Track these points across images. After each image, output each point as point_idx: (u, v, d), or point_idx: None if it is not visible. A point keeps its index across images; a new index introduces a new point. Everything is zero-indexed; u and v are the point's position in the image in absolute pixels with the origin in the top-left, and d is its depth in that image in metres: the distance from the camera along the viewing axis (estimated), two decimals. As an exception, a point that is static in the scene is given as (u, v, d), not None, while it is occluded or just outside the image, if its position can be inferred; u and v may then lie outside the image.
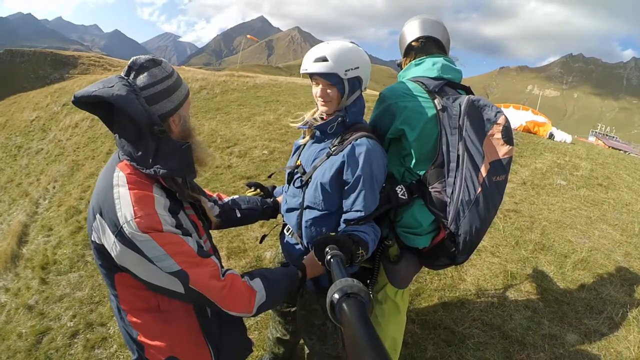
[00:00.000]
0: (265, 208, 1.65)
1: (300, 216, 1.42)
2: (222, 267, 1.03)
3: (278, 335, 1.94)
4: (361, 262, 1.36)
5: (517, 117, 10.57)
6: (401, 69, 1.69)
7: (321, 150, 1.41)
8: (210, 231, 1.33)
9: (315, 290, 1.46)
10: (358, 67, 1.31)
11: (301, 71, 1.33)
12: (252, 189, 1.75)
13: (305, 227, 1.41)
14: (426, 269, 1.83)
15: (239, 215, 1.57)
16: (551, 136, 9.39)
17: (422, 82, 1.46)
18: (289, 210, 1.49)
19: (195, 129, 1.13)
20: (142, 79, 0.94)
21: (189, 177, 1.07)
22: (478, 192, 1.36)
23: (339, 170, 1.31)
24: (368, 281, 1.61)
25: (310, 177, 1.38)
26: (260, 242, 1.73)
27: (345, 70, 1.28)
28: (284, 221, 1.60)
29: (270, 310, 2.01)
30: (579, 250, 3.39)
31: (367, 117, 1.55)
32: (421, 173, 1.47)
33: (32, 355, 2.54)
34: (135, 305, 1.03)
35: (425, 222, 1.49)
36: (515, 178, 5.12)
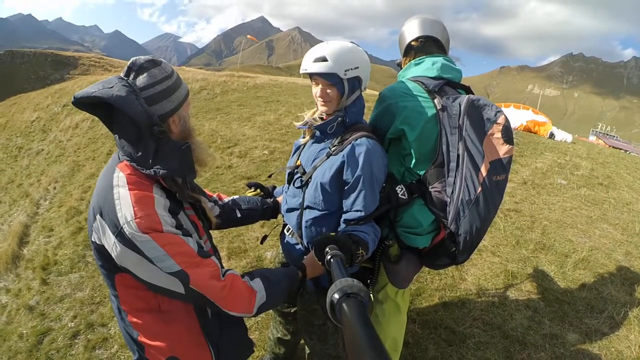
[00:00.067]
0: (265, 208, 1.65)
1: (300, 216, 1.42)
2: (222, 267, 1.03)
3: (279, 335, 1.94)
4: (361, 262, 1.36)
5: (518, 116, 10.55)
6: (401, 68, 1.69)
7: (321, 150, 1.41)
8: (211, 231, 1.33)
9: (316, 290, 1.46)
10: (358, 67, 1.31)
11: (301, 71, 1.33)
12: (252, 189, 1.75)
13: (306, 227, 1.41)
14: (427, 268, 1.83)
15: (239, 215, 1.57)
16: (552, 135, 9.38)
17: (421, 82, 1.46)
18: (289, 210, 1.49)
19: (196, 129, 1.13)
20: (141, 80, 0.94)
21: (188, 177, 1.07)
22: (478, 191, 1.36)
23: (339, 170, 1.31)
24: (368, 281, 1.61)
25: (310, 177, 1.38)
26: (262, 242, 1.73)
27: (345, 70, 1.28)
28: (284, 221, 1.60)
29: (271, 311, 2.01)
30: (579, 250, 3.38)
31: (367, 117, 1.55)
32: (421, 173, 1.47)
33: (33, 355, 2.54)
34: (136, 305, 1.03)
35: (426, 222, 1.49)
36: (516, 177, 5.12)
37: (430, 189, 1.44)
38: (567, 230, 3.78)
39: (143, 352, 1.06)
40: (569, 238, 3.61)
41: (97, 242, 0.95)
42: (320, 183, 1.33)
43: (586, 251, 3.35)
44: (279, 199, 1.72)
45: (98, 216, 0.93)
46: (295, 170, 1.49)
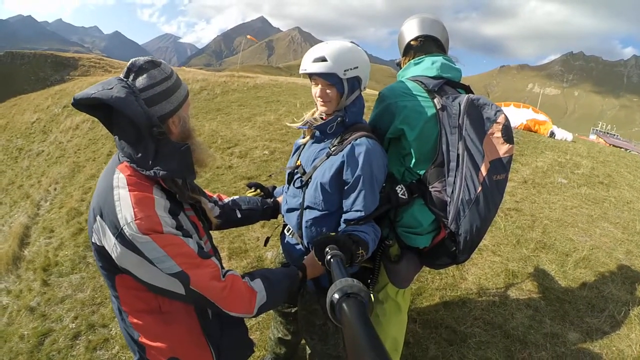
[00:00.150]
0: (265, 208, 1.65)
1: (300, 216, 1.42)
2: (222, 268, 1.03)
3: (279, 335, 1.94)
4: (361, 262, 1.36)
5: (518, 115, 10.55)
6: (400, 68, 1.69)
7: (321, 150, 1.41)
8: (211, 232, 1.33)
9: (316, 291, 1.46)
10: (357, 67, 1.31)
11: (300, 71, 1.33)
12: (253, 190, 1.75)
13: (306, 227, 1.41)
14: (427, 268, 1.83)
15: (239, 215, 1.57)
16: (552, 134, 9.38)
17: (421, 82, 1.46)
18: (289, 210, 1.49)
19: (196, 129, 1.13)
20: (141, 81, 0.94)
21: (188, 178, 1.07)
22: (478, 191, 1.36)
23: (339, 170, 1.31)
24: (369, 281, 1.61)
25: (310, 177, 1.38)
26: (265, 244, 1.73)
27: (344, 70, 1.28)
28: (284, 221, 1.60)
29: (271, 311, 2.02)
30: (580, 249, 3.38)
31: (367, 117, 1.55)
32: (421, 172, 1.47)
33: (34, 357, 2.55)
34: (136, 306, 1.03)
35: (426, 221, 1.49)
36: (516, 177, 5.11)
37: (430, 189, 1.43)
38: (567, 229, 3.78)
39: (144, 353, 1.07)
40: (569, 237, 3.61)
41: (98, 243, 0.95)
42: (320, 183, 1.33)
43: (587, 250, 3.34)
44: (279, 199, 1.72)
45: (98, 217, 0.93)
46: (295, 171, 1.49)
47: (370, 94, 8.23)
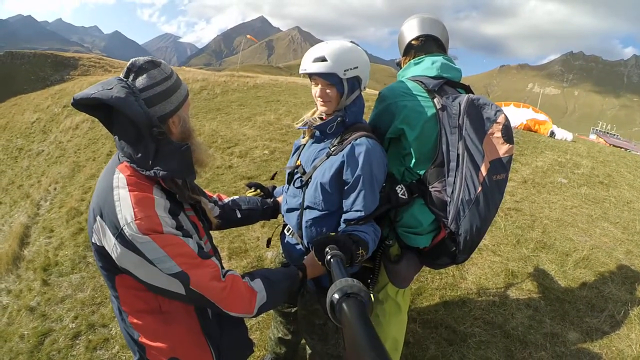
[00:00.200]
0: (265, 208, 1.65)
1: (300, 216, 1.42)
2: (222, 268, 1.03)
3: (280, 335, 1.94)
4: (361, 262, 1.36)
5: (518, 115, 10.55)
6: (400, 68, 1.69)
7: (321, 150, 1.41)
8: (211, 232, 1.33)
9: (316, 290, 1.46)
10: (357, 67, 1.31)
11: (300, 71, 1.32)
12: (252, 190, 1.75)
13: (306, 227, 1.41)
14: (427, 268, 1.83)
15: (239, 215, 1.57)
16: (552, 134, 9.38)
17: (421, 81, 1.46)
18: (289, 210, 1.49)
19: (196, 129, 1.13)
20: (141, 81, 0.94)
21: (188, 178, 1.07)
22: (478, 191, 1.36)
23: (339, 170, 1.30)
24: (369, 281, 1.61)
25: (310, 177, 1.38)
26: (267, 245, 1.73)
27: (344, 70, 1.27)
28: (284, 221, 1.60)
29: (271, 311, 2.02)
30: (580, 249, 3.38)
31: (367, 117, 1.55)
32: (421, 172, 1.47)
33: (34, 356, 2.55)
34: (136, 306, 1.03)
35: (426, 221, 1.49)
36: (516, 176, 5.11)
37: (430, 189, 1.43)
38: (567, 229, 3.78)
39: (144, 353, 1.07)
40: (569, 237, 3.61)
41: (98, 243, 0.95)
42: (320, 183, 1.33)
43: (587, 250, 3.34)
44: (279, 199, 1.72)
45: (98, 217, 0.93)
46: (295, 171, 1.49)
47: (370, 93, 8.23)
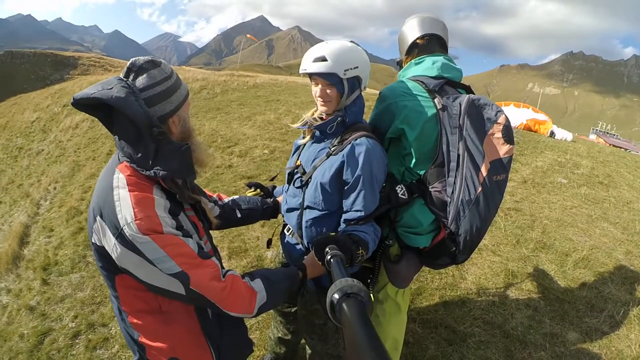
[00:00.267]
0: (265, 208, 1.65)
1: (300, 216, 1.42)
2: (222, 268, 1.03)
3: (279, 335, 1.94)
4: (361, 262, 1.36)
5: (518, 115, 10.56)
6: (401, 67, 1.68)
7: (321, 150, 1.40)
8: (211, 231, 1.33)
9: (316, 290, 1.46)
10: (357, 67, 1.31)
11: (300, 71, 1.32)
12: (252, 189, 1.75)
13: (306, 227, 1.41)
14: (427, 268, 1.84)
15: (239, 215, 1.57)
16: (552, 134, 9.38)
17: (422, 81, 1.46)
18: (289, 210, 1.49)
19: (196, 129, 1.13)
20: (141, 81, 0.94)
21: (188, 178, 1.07)
22: (478, 191, 1.36)
23: (339, 170, 1.30)
24: (369, 281, 1.61)
25: (310, 177, 1.38)
26: (268, 246, 1.73)
27: (345, 70, 1.27)
28: (284, 221, 1.60)
29: (271, 310, 2.02)
30: (579, 249, 3.38)
31: (367, 116, 1.55)
32: (421, 172, 1.47)
33: (34, 356, 2.55)
34: (136, 306, 1.03)
35: (426, 221, 1.49)
36: (516, 176, 5.11)
37: (430, 189, 1.43)
38: (567, 229, 3.78)
39: (144, 353, 1.07)
40: (569, 237, 3.61)
41: (98, 243, 0.95)
42: (320, 183, 1.33)
43: (586, 250, 3.35)
44: (279, 198, 1.72)
45: (98, 217, 0.93)
46: (295, 170, 1.49)
47: (370, 93, 8.23)
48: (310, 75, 1.34)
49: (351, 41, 1.37)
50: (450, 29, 1.67)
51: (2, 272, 3.98)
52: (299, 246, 1.48)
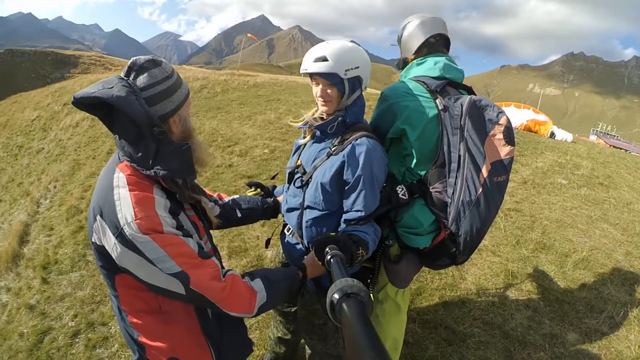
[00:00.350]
0: (265, 208, 1.65)
1: (300, 216, 1.42)
2: (222, 267, 1.03)
3: (279, 334, 1.94)
4: (361, 262, 1.36)
5: (518, 115, 10.56)
6: (402, 67, 1.68)
7: (321, 150, 1.40)
8: (211, 231, 1.33)
9: (316, 290, 1.46)
10: (358, 67, 1.30)
11: (301, 71, 1.32)
12: (253, 189, 1.74)
13: (306, 227, 1.41)
14: (426, 268, 1.84)
15: (239, 215, 1.57)
16: (552, 135, 9.38)
17: (423, 82, 1.46)
18: (290, 210, 1.49)
19: (196, 128, 1.13)
20: (142, 80, 0.94)
21: (189, 178, 1.06)
22: (479, 192, 1.36)
23: (339, 170, 1.30)
24: (369, 281, 1.61)
25: (311, 177, 1.38)
26: (266, 246, 1.73)
27: (345, 70, 1.27)
28: (284, 221, 1.60)
29: (271, 310, 2.02)
30: (579, 250, 3.38)
31: (368, 116, 1.55)
32: (422, 173, 1.47)
33: (33, 355, 2.55)
34: (136, 306, 1.03)
35: (426, 222, 1.49)
36: (516, 177, 5.11)
37: (430, 190, 1.43)
38: (567, 230, 3.78)
39: (144, 353, 1.06)
40: (569, 238, 3.61)
41: (98, 242, 0.95)
42: (321, 183, 1.33)
43: (586, 251, 3.35)
44: (279, 198, 1.72)
45: (98, 217, 0.93)
46: (296, 170, 1.49)
47: (371, 93, 8.23)
48: (311, 75, 1.34)
49: (352, 41, 1.36)
50: (450, 29, 1.67)
51: (2, 270, 3.98)
52: (299, 246, 1.48)
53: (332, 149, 1.35)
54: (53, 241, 4.16)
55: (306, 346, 1.77)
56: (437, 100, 1.41)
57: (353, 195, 1.31)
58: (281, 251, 1.72)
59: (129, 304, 1.04)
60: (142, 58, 0.97)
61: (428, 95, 1.42)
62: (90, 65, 23.38)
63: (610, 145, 17.96)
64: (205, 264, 0.96)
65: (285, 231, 1.58)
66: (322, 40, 1.37)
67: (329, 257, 0.96)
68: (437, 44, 1.60)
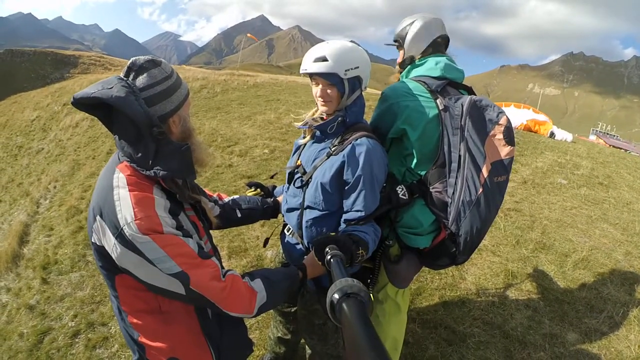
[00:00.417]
0: (265, 208, 1.65)
1: (300, 216, 1.42)
2: (222, 267, 1.03)
3: (279, 334, 1.94)
4: (361, 262, 1.36)
5: (518, 115, 10.56)
6: (402, 68, 1.68)
7: (321, 150, 1.40)
8: (211, 231, 1.33)
9: (316, 290, 1.46)
10: (358, 67, 1.30)
11: (301, 71, 1.32)
12: (253, 189, 1.74)
13: (306, 227, 1.41)
14: (426, 268, 1.84)
15: (239, 215, 1.57)
16: (552, 135, 9.38)
17: (424, 82, 1.46)
18: (290, 210, 1.49)
19: (196, 128, 1.13)
20: (141, 80, 0.94)
21: (188, 178, 1.06)
22: (479, 192, 1.36)
23: (339, 170, 1.30)
24: (369, 281, 1.61)
25: (311, 177, 1.38)
26: (264, 245, 1.73)
27: (345, 70, 1.27)
28: (284, 221, 1.60)
29: (271, 310, 2.02)
30: (579, 250, 3.38)
31: (368, 117, 1.55)
32: (422, 173, 1.47)
33: (33, 355, 2.55)
34: (136, 306, 1.03)
35: (426, 222, 1.49)
36: (516, 177, 5.11)
37: (431, 190, 1.43)
38: (567, 229, 3.78)
39: (144, 353, 1.06)
40: (569, 238, 3.61)
41: (97, 243, 0.95)
42: (321, 183, 1.33)
43: (586, 251, 3.35)
44: (279, 198, 1.72)
45: (98, 217, 0.93)
46: (296, 170, 1.49)
47: (371, 93, 8.23)
48: (311, 75, 1.34)
49: (351, 41, 1.36)
50: (451, 29, 1.68)
51: (1, 271, 3.98)
52: (299, 246, 1.48)
53: (332, 149, 1.35)
54: (53, 241, 4.16)
55: (306, 346, 1.77)
56: (438, 101, 1.41)
57: (353, 195, 1.31)
58: (281, 251, 1.72)
59: (129, 304, 1.04)
60: (142, 58, 0.97)
61: (428, 95, 1.43)
62: (90, 65, 23.38)
63: (610, 145, 17.98)
64: (205, 264, 0.96)
65: (285, 231, 1.58)
66: (322, 40, 1.37)
67: (329, 257, 0.96)
68: (441, 44, 1.61)
